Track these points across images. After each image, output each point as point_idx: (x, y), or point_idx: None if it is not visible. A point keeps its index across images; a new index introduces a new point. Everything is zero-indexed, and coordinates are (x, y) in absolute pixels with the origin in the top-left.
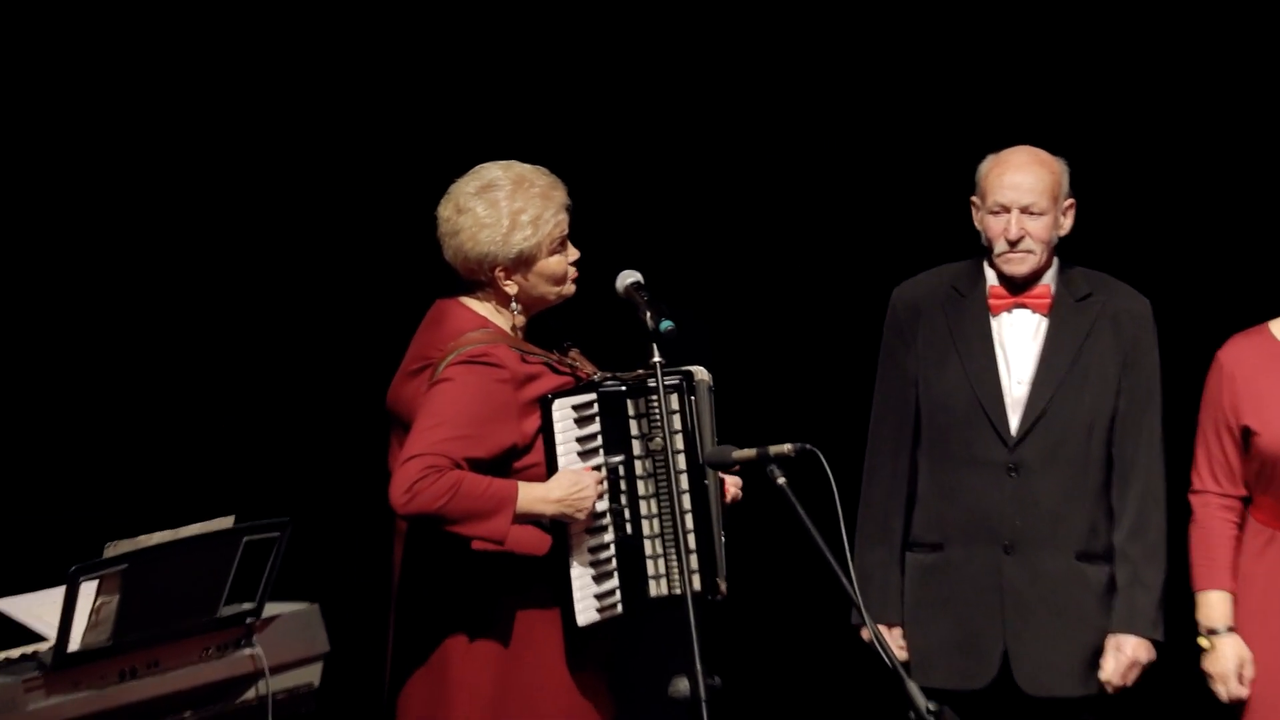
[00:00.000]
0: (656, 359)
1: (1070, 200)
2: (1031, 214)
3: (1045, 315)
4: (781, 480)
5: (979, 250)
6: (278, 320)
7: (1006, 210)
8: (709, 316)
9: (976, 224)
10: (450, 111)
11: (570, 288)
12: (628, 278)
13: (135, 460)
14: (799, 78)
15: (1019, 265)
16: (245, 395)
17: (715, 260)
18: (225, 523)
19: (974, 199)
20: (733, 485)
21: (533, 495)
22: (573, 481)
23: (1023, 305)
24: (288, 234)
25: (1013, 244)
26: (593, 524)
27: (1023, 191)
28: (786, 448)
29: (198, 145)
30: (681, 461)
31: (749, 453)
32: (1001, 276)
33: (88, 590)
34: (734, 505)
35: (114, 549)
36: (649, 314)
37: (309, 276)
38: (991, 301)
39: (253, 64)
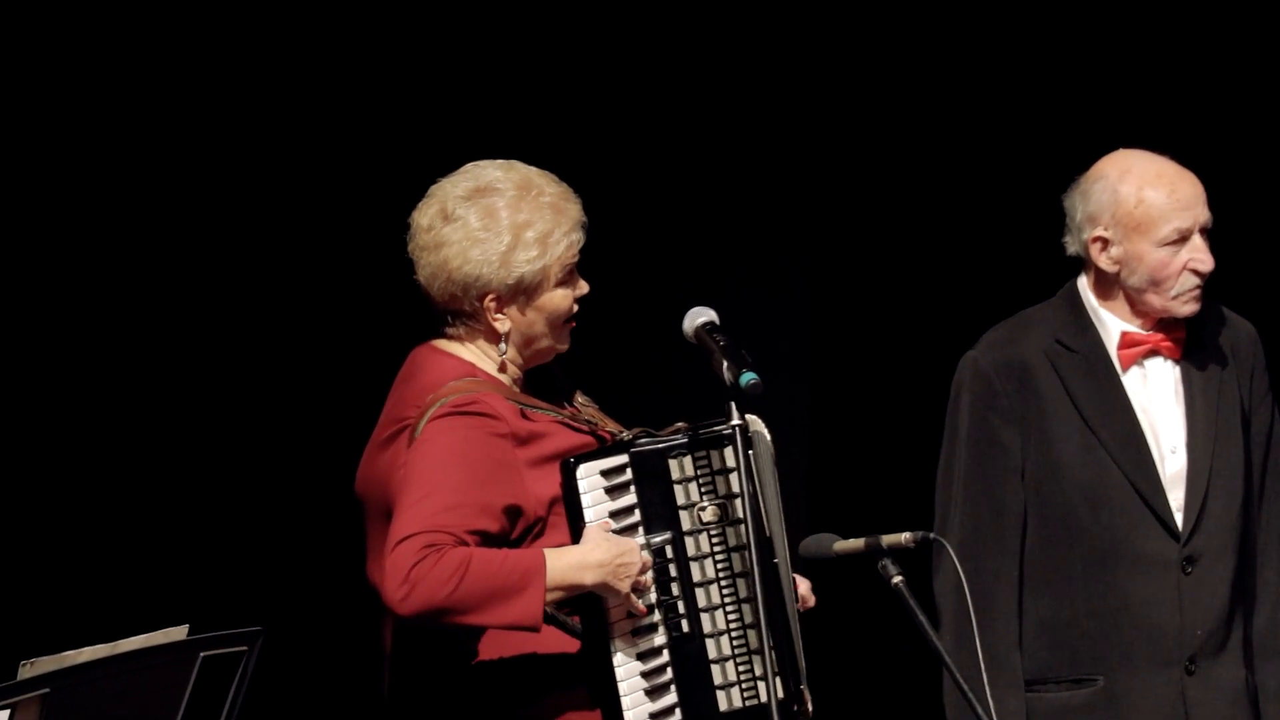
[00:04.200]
0: (735, 421)
1: None
2: (1207, 233)
3: (1178, 361)
4: (898, 579)
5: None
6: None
7: (1186, 238)
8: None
9: (1110, 264)
10: (407, 110)
11: (566, 342)
12: (699, 317)
13: (64, 570)
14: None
15: (1197, 304)
16: (187, 484)
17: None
18: (177, 633)
19: (1103, 234)
20: (799, 585)
21: (567, 561)
22: (614, 543)
23: (1155, 353)
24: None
25: (1204, 277)
26: (638, 622)
27: (1201, 207)
28: (904, 537)
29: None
30: (752, 535)
31: (856, 543)
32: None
33: None
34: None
35: (31, 668)
36: (726, 364)
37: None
38: (1121, 353)
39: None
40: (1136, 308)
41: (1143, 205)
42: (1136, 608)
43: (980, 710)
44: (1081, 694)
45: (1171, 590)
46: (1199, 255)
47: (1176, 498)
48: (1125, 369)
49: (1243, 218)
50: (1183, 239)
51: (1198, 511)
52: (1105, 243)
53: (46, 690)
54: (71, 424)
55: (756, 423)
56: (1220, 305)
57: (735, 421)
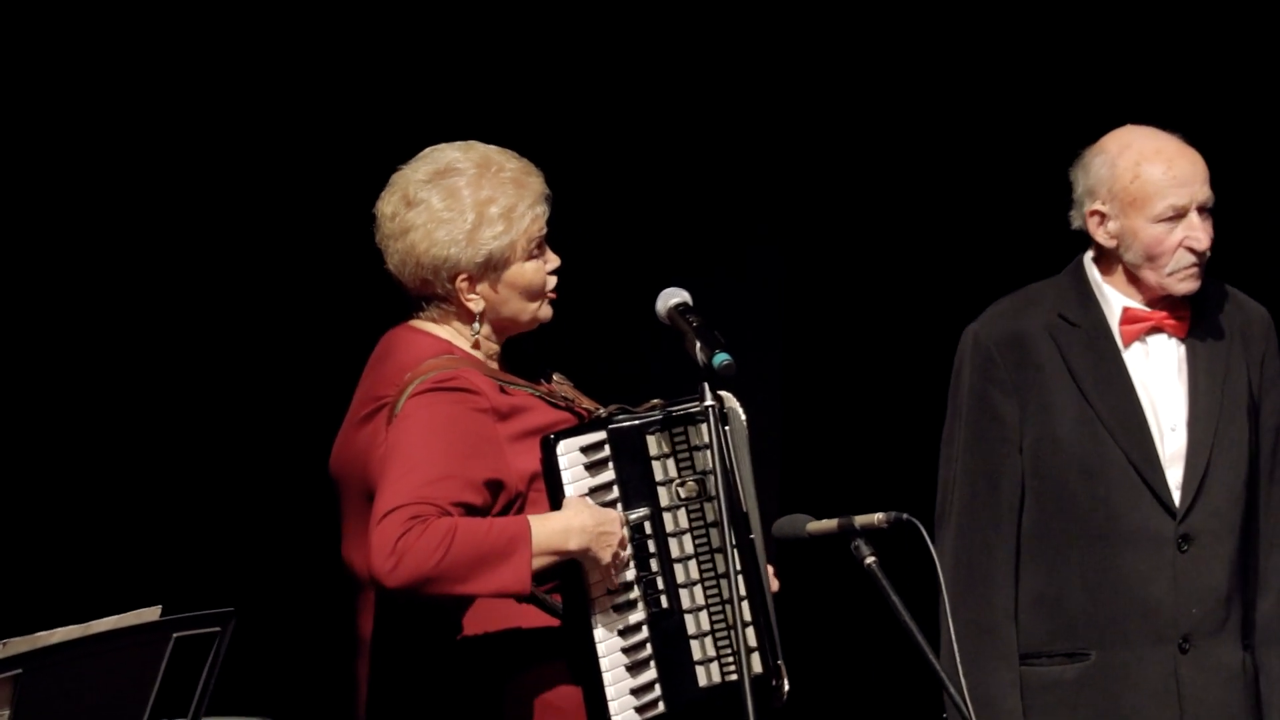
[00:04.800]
0: (709, 401)
1: None
2: (1207, 212)
3: (1183, 339)
4: (871, 560)
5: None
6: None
7: (1182, 215)
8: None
9: (1108, 238)
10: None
11: (547, 310)
12: (672, 298)
13: (37, 551)
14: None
15: (1195, 281)
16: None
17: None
18: (150, 614)
19: (1100, 208)
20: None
21: (551, 526)
22: (596, 509)
23: (1158, 330)
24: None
25: (1200, 255)
26: (617, 598)
27: (1200, 185)
28: (877, 518)
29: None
30: (726, 511)
31: (829, 524)
32: (1145, 296)
33: None
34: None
35: (4, 649)
36: (699, 345)
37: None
38: (1123, 329)
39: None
40: (1137, 283)
41: (1139, 180)
42: (1131, 584)
43: (953, 689)
44: (1074, 668)
45: (1166, 567)
46: (1195, 233)
47: (1175, 475)
48: (1127, 345)
49: (1246, 214)
50: (1178, 216)
51: (1195, 490)
52: (1103, 217)
53: (19, 671)
54: (44, 407)
55: (732, 400)
56: (1232, 287)
57: (709, 402)
